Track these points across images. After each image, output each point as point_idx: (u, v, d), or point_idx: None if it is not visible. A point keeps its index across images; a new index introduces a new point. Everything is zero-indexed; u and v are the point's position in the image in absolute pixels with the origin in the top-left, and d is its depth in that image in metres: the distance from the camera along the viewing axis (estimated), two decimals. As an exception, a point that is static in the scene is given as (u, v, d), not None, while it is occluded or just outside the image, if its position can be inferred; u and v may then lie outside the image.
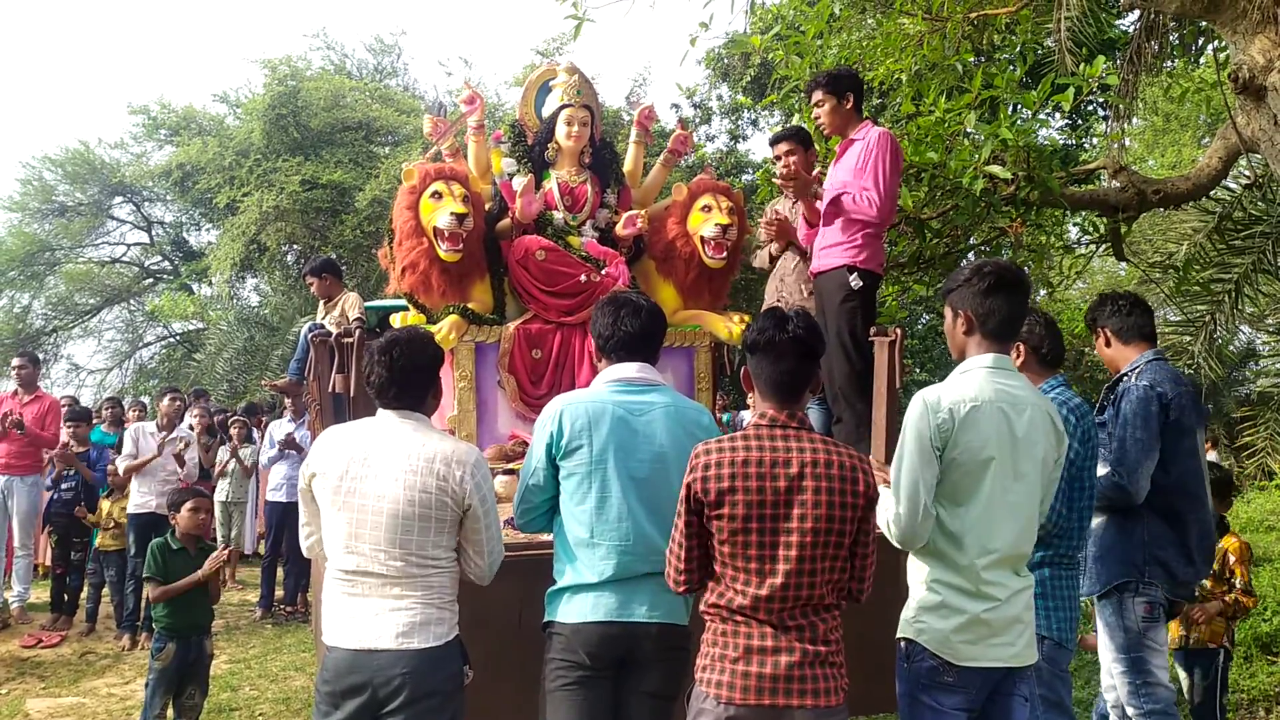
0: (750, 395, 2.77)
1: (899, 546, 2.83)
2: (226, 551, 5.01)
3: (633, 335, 3.06)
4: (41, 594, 8.57)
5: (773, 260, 5.35)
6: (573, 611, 2.91)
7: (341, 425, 3.12)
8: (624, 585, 2.88)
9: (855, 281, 4.55)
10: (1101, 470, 3.72)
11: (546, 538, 3.18)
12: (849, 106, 4.70)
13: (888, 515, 2.79)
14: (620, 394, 3.00)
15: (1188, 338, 7.92)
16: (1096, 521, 3.87)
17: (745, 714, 2.50)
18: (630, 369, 3.05)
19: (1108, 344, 4.08)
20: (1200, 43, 7.39)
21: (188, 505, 4.96)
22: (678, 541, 2.63)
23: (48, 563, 8.67)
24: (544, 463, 2.99)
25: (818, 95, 4.72)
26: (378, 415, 3.00)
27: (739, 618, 2.55)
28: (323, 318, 6.86)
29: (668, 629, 2.91)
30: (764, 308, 5.35)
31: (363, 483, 2.85)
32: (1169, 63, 7.54)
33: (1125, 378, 3.93)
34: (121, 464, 7.75)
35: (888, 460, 4.15)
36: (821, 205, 4.70)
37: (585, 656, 2.86)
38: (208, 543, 5.20)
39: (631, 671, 2.91)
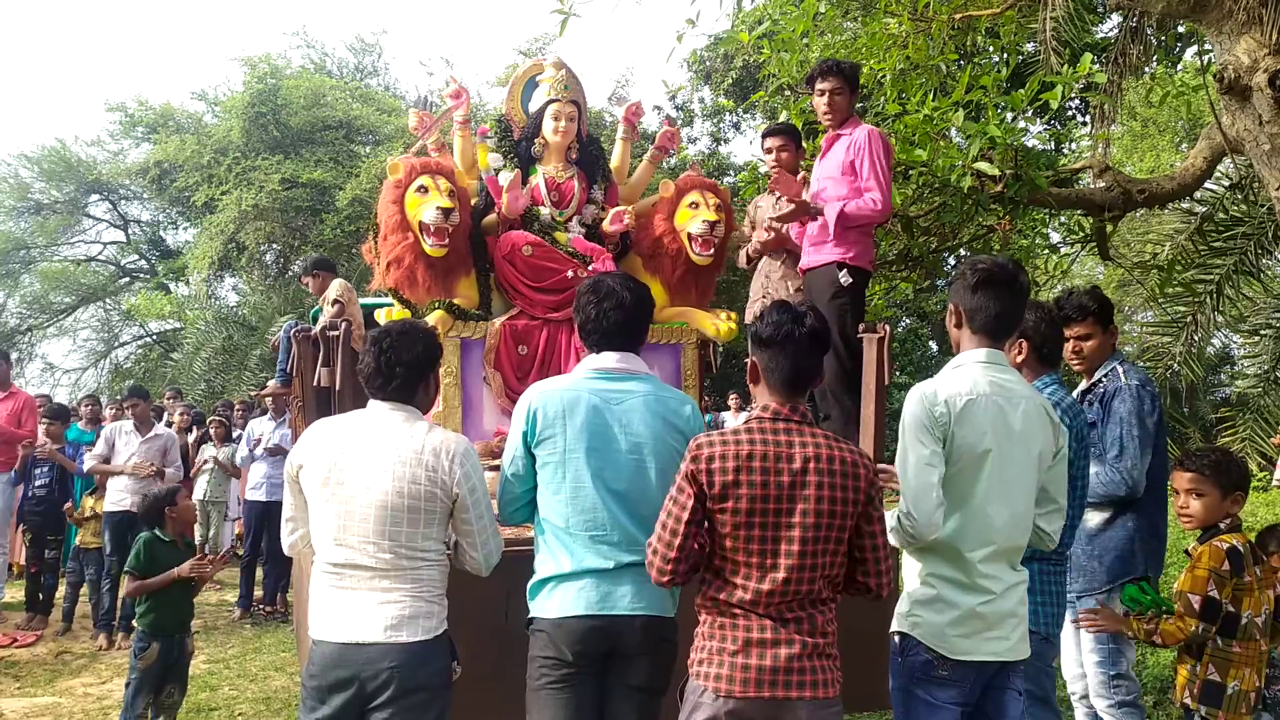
0: (754, 388, 2.73)
1: (912, 543, 2.79)
2: (222, 561, 4.90)
3: (614, 326, 3.00)
4: (16, 593, 8.44)
5: (750, 260, 5.33)
6: (553, 606, 2.85)
7: (330, 417, 3.08)
8: (605, 576, 2.83)
9: (845, 278, 4.55)
10: (1095, 468, 3.74)
11: (531, 533, 3.13)
12: (853, 99, 4.70)
13: (898, 513, 2.75)
14: (597, 382, 2.96)
15: (1168, 339, 7.97)
16: (1094, 521, 3.92)
17: (744, 707, 2.47)
18: (610, 359, 3.00)
19: (1102, 344, 4.07)
20: (1180, 47, 7.45)
21: (182, 495, 4.91)
22: (670, 529, 2.56)
23: (22, 561, 8.55)
24: (521, 451, 2.95)
25: (833, 82, 4.66)
26: (369, 406, 2.96)
27: (737, 611, 2.52)
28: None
29: (653, 621, 2.85)
30: (749, 304, 5.38)
31: (351, 474, 2.80)
32: (1149, 66, 7.59)
33: (1106, 378, 3.98)
34: (89, 462, 7.67)
35: (877, 456, 4.15)
36: (810, 200, 4.68)
37: (569, 653, 2.80)
38: (189, 540, 5.13)
39: (616, 665, 2.86)
